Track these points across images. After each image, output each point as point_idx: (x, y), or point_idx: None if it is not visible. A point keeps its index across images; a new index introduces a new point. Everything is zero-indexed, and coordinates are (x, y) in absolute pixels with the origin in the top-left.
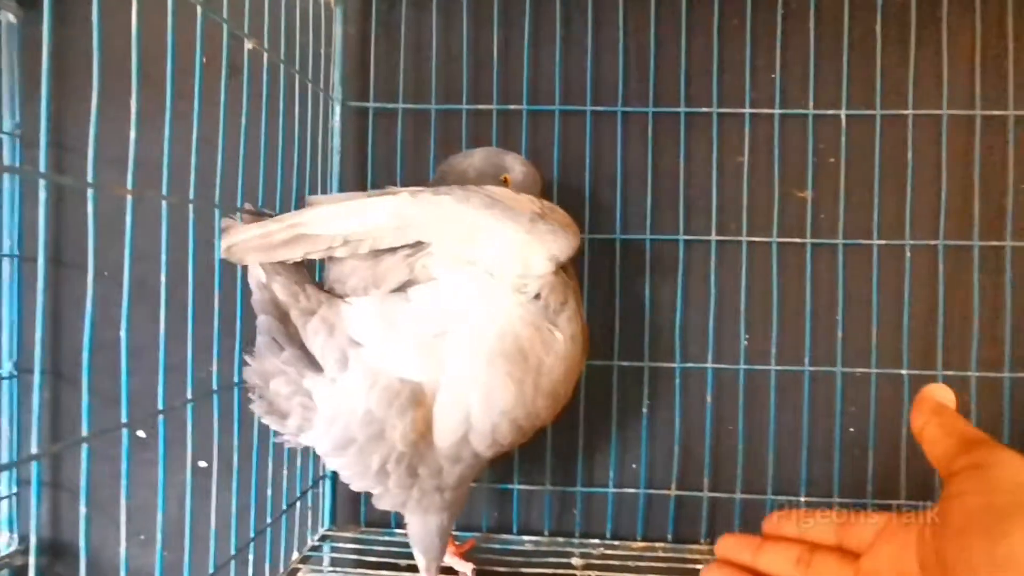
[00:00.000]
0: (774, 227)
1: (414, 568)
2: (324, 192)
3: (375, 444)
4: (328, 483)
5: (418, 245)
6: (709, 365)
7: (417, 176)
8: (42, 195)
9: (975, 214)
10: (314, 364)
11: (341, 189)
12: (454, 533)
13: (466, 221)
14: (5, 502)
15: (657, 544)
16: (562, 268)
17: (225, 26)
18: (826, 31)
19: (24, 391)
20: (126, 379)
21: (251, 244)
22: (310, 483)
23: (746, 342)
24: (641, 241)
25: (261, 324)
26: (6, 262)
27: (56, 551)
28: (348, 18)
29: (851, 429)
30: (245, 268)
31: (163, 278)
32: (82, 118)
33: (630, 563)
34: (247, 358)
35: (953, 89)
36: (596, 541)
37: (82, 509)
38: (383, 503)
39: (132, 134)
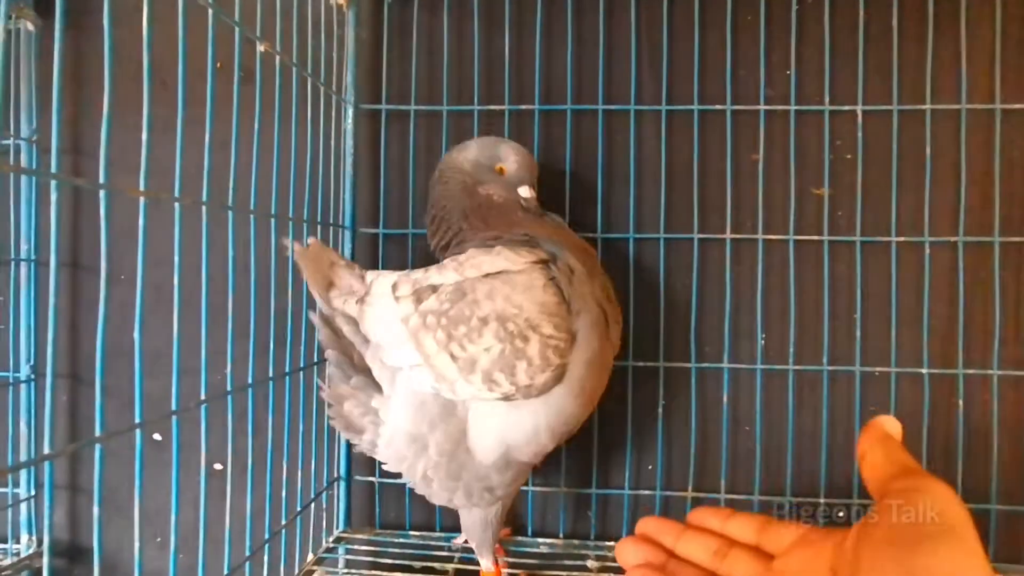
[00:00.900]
0: (790, 225)
1: (428, 570)
2: (337, 194)
3: (418, 455)
4: (343, 485)
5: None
6: (725, 365)
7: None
8: (54, 196)
9: (995, 210)
10: (379, 387)
11: (355, 192)
12: (512, 572)
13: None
14: (24, 505)
15: None
16: (576, 266)
17: (237, 29)
18: (841, 25)
19: (41, 394)
20: (139, 380)
21: (321, 278)
22: (325, 485)
23: (763, 341)
24: (655, 240)
25: (329, 356)
26: (23, 266)
27: (74, 553)
28: (360, 21)
29: None
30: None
31: (176, 280)
32: (98, 124)
33: None
34: (321, 383)
35: (972, 83)
36: (612, 544)
37: (95, 510)
38: (435, 501)
39: (144, 136)
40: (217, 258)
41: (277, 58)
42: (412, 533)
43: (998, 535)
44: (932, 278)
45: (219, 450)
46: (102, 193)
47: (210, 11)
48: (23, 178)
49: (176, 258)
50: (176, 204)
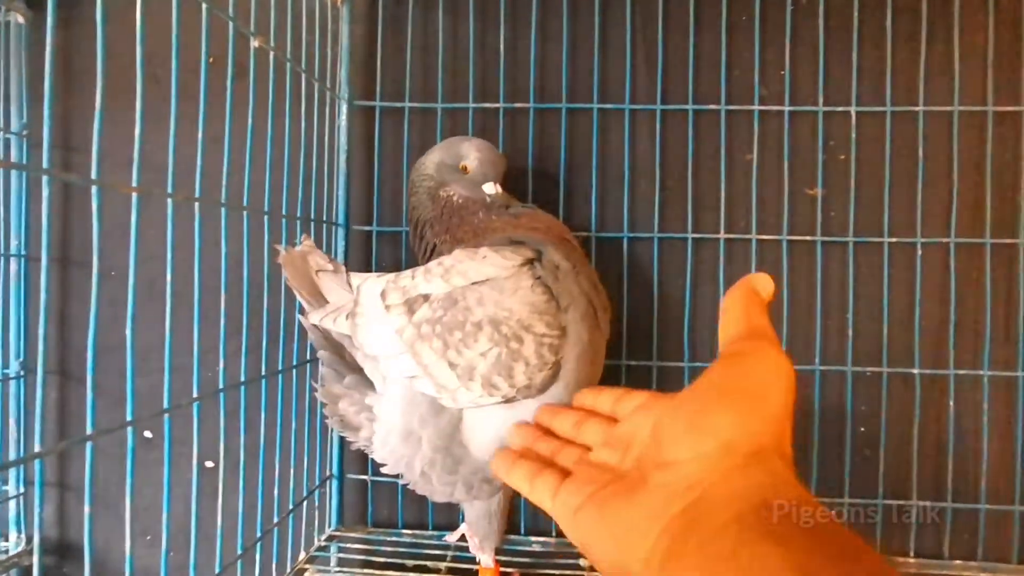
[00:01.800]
0: (784, 225)
1: (421, 569)
2: (331, 191)
3: (413, 451)
4: (335, 483)
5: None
6: None
7: None
8: (44, 191)
9: (987, 211)
10: (372, 384)
11: (348, 188)
12: (506, 571)
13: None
14: (12, 502)
15: None
16: (560, 261)
17: (231, 24)
18: (836, 26)
19: (31, 390)
20: (131, 377)
21: (305, 284)
22: (317, 483)
23: None
24: (649, 239)
25: (322, 357)
26: (13, 262)
27: (63, 551)
28: (355, 16)
29: (861, 429)
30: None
31: (168, 277)
32: (89, 119)
33: None
34: (315, 384)
35: (965, 85)
36: None
37: (86, 508)
38: (436, 498)
39: (137, 131)
40: (209, 255)
41: (271, 53)
42: (405, 531)
43: (987, 534)
44: (924, 279)
45: (211, 448)
46: (94, 189)
47: (203, 5)
48: (13, 173)
49: (168, 254)
50: (168, 200)
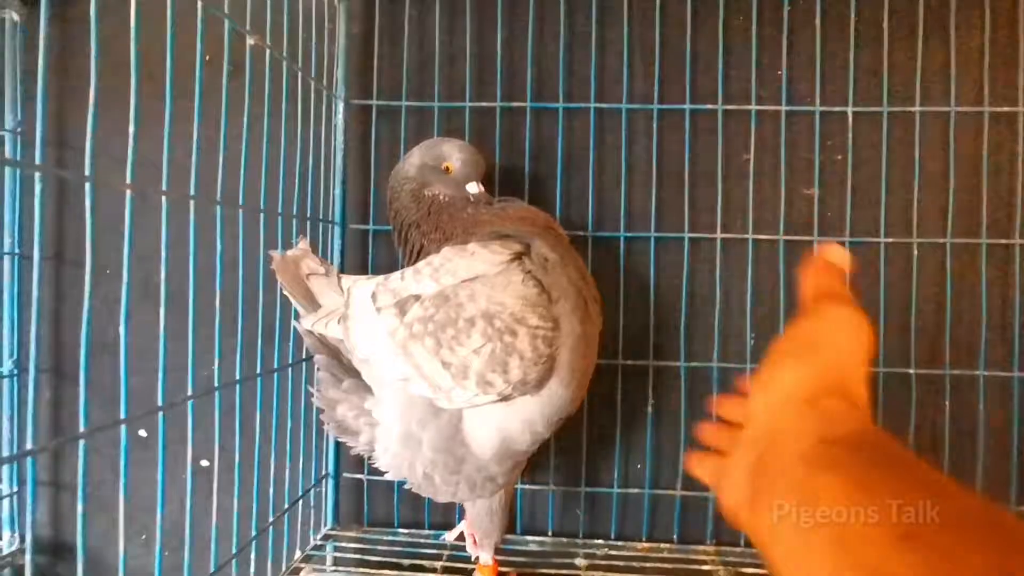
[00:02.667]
0: (780, 225)
1: (417, 568)
2: (327, 190)
3: (414, 454)
4: (331, 482)
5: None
6: (715, 364)
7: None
8: (38, 188)
9: (983, 211)
10: (370, 388)
11: (345, 186)
12: (503, 570)
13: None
14: (6, 501)
15: (663, 545)
16: (548, 253)
17: (227, 22)
18: (833, 27)
19: (24, 389)
20: (125, 376)
21: (299, 288)
22: (313, 482)
23: (752, 341)
24: (646, 239)
25: (319, 361)
26: (7, 260)
27: (57, 550)
28: (352, 15)
29: None
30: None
31: (163, 275)
32: (84, 117)
33: (635, 564)
34: (312, 389)
35: (961, 86)
36: (600, 542)
37: (79, 507)
38: (439, 499)
39: (131, 128)
40: (204, 253)
41: (267, 52)
42: (400, 531)
43: None
44: (920, 279)
45: (205, 447)
46: (88, 186)
47: (199, 3)
48: (7, 170)
49: (163, 253)
50: (163, 198)
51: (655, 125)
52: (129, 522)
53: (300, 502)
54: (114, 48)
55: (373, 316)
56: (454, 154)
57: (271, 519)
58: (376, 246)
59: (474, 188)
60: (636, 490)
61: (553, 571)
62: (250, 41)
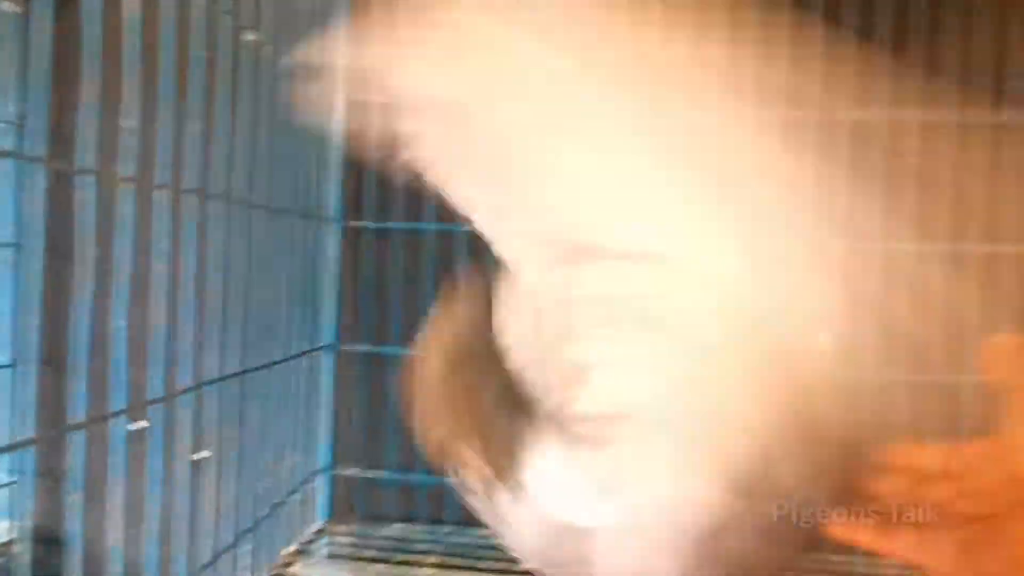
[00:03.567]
0: None
1: (409, 563)
2: (324, 187)
3: None
4: (325, 476)
5: None
6: None
7: None
8: (37, 180)
9: (972, 219)
10: None
11: (343, 181)
12: None
13: None
14: (3, 491)
15: None
16: None
17: (226, 17)
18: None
19: (22, 380)
20: (123, 368)
21: None
22: (307, 476)
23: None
24: None
25: None
26: (5, 251)
27: (53, 540)
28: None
29: None
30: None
31: (162, 268)
32: (82, 109)
33: None
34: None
35: (969, 91)
36: None
37: (76, 498)
38: None
39: (131, 122)
40: (202, 246)
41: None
42: (393, 525)
43: None
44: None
45: (201, 440)
46: (87, 179)
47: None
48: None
49: (162, 245)
50: (162, 191)
51: None
52: (124, 513)
53: (294, 496)
54: (112, 41)
55: None
56: None
57: (265, 513)
58: (374, 245)
59: None
60: None
61: None
62: (249, 38)
